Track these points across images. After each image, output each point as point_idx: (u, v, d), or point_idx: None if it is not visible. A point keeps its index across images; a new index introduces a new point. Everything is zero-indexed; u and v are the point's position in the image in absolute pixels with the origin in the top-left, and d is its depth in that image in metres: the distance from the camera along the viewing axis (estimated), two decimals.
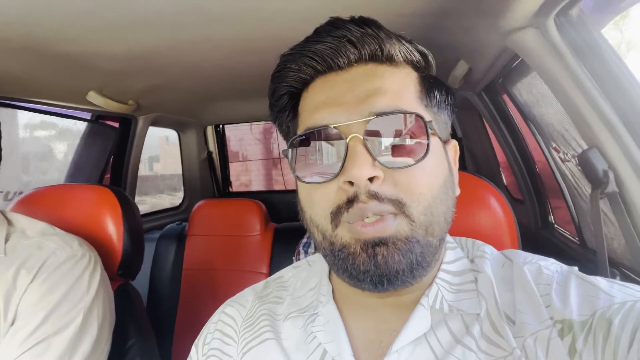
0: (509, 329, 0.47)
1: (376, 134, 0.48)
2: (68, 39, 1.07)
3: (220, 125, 2.84)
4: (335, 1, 0.94)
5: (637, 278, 0.90)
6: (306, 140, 0.51)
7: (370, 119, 0.47)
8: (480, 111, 1.71)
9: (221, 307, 0.67)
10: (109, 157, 2.04)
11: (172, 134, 2.66)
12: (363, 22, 0.51)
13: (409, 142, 0.48)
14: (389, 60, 0.52)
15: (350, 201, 0.46)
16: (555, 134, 1.18)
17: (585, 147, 0.90)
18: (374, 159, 0.47)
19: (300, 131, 0.53)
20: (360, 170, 0.45)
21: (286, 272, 0.69)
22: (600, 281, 0.48)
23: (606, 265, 0.89)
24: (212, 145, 2.79)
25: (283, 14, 1.03)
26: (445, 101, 0.56)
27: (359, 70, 0.52)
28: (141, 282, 1.44)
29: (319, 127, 0.50)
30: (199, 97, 1.99)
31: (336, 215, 0.48)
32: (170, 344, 1.89)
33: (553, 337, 0.44)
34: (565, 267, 0.52)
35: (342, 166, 0.47)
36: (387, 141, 0.48)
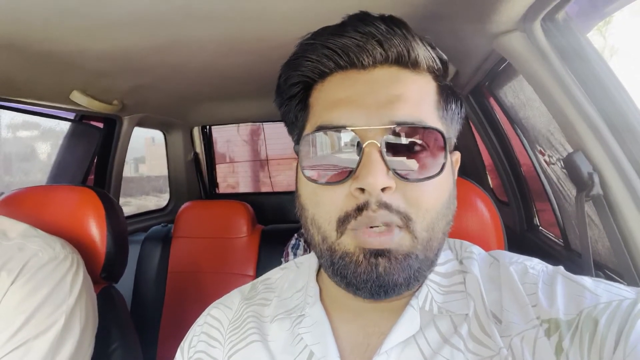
0: (496, 328, 0.47)
1: (394, 143, 0.46)
2: (51, 37, 1.05)
3: (207, 127, 2.81)
4: (322, 3, 0.94)
5: (621, 280, 0.91)
6: (319, 137, 0.50)
7: (390, 127, 0.46)
8: (467, 114, 1.72)
9: (207, 310, 0.66)
10: (93, 158, 2.00)
11: (158, 134, 2.63)
12: (392, 22, 0.49)
13: (425, 156, 0.47)
14: (414, 65, 0.51)
15: (360, 209, 0.46)
16: (540, 137, 1.19)
17: (570, 150, 0.91)
18: (389, 168, 0.45)
19: (312, 124, 0.52)
20: (375, 179, 0.44)
21: (273, 274, 0.68)
22: (586, 280, 0.48)
23: (591, 267, 0.89)
24: (199, 147, 2.76)
25: (270, 16, 1.02)
26: (458, 113, 0.55)
27: (382, 73, 0.50)
28: (125, 285, 1.42)
29: (335, 127, 0.48)
30: (185, 98, 1.97)
31: (343, 222, 0.47)
32: (155, 348, 1.86)
33: (540, 337, 0.44)
34: (550, 266, 0.52)
35: (356, 171, 0.46)
36: (403, 152, 0.47)
